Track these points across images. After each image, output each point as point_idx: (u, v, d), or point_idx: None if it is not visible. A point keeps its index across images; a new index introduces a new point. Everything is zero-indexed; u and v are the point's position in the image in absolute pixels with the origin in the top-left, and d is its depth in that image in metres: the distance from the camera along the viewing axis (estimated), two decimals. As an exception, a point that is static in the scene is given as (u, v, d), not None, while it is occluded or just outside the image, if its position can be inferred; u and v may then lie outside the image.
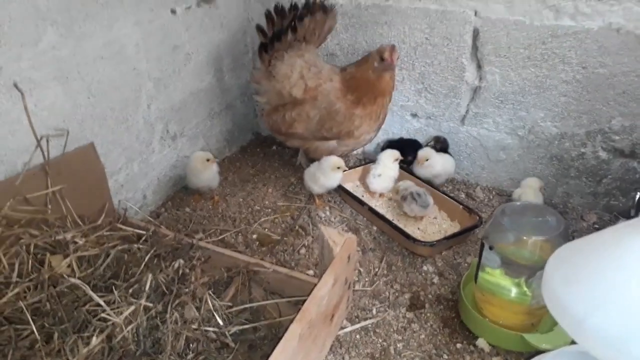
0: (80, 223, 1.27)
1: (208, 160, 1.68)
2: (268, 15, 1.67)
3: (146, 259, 1.11)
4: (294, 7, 1.66)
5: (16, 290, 1.06)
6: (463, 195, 1.84)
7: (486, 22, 1.61)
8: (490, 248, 1.19)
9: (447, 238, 1.49)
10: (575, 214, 1.74)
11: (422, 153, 1.76)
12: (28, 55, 1.18)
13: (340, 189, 1.73)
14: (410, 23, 1.72)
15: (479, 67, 1.69)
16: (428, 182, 1.75)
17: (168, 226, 1.57)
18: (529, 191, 1.64)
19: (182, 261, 1.09)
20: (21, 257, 1.10)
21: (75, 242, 1.19)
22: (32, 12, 1.17)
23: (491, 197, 1.84)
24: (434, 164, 1.75)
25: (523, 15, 1.55)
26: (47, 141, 1.21)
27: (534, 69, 1.61)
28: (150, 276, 1.02)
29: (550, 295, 0.67)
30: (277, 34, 1.64)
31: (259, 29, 1.68)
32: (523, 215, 1.19)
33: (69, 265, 1.14)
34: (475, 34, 1.65)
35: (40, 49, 1.20)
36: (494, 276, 1.22)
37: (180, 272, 1.08)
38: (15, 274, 1.09)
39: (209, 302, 1.06)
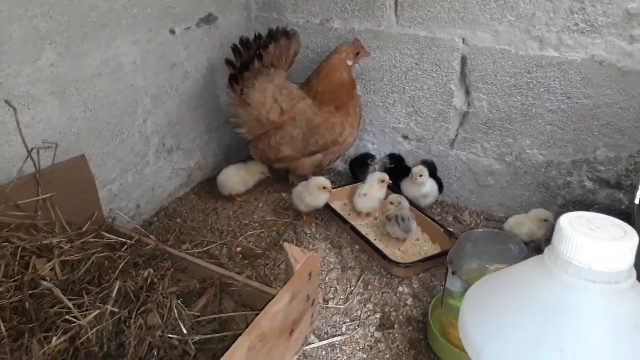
0: (68, 229, 1.36)
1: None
2: (235, 48, 1.76)
3: (120, 266, 1.18)
4: (258, 37, 1.76)
5: (-1, 290, 1.14)
6: (451, 219, 1.87)
7: (474, 50, 1.65)
8: (453, 273, 1.22)
9: (422, 261, 1.53)
10: (562, 242, 1.75)
11: (416, 170, 1.79)
12: (27, 72, 1.28)
13: (326, 207, 1.79)
14: (401, 49, 1.78)
15: (468, 93, 1.73)
16: (413, 203, 1.78)
17: (158, 236, 1.65)
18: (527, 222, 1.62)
19: (152, 270, 1.16)
20: (7, 259, 1.19)
21: (61, 247, 1.28)
22: (32, 33, 1.27)
23: (479, 221, 1.86)
24: (425, 182, 1.78)
25: (509, 45, 1.59)
26: (38, 152, 1.31)
27: (520, 97, 1.64)
28: (118, 283, 1.09)
29: (461, 322, 0.71)
30: (245, 64, 1.72)
31: (228, 62, 1.76)
32: (487, 243, 1.23)
33: (52, 269, 1.23)
34: (464, 61, 1.69)
35: (38, 66, 1.31)
36: (458, 301, 1.25)
37: (149, 280, 1.15)
38: (0, 275, 1.18)
39: (175, 311, 1.12)
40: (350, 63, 1.75)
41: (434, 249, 1.66)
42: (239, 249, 1.66)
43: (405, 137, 1.94)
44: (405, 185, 1.82)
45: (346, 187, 1.93)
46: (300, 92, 1.80)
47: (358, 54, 1.75)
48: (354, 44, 1.76)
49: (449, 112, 1.79)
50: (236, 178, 1.87)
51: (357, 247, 1.68)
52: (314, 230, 1.77)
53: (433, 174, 1.87)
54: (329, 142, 1.79)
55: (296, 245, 1.66)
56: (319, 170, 1.94)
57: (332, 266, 1.60)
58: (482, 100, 1.71)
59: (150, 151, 1.75)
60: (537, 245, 1.64)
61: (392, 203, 1.71)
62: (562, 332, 0.60)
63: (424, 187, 1.78)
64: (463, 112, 1.77)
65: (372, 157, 1.96)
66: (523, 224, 1.63)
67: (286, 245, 1.18)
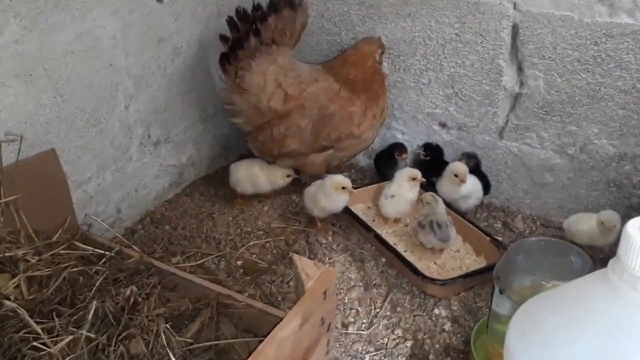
0: (36, 239, 1.39)
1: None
2: (230, 21, 1.76)
3: (97, 283, 1.22)
4: (257, 7, 1.76)
5: (-46, 311, 1.18)
6: (499, 225, 1.87)
7: (527, 17, 1.65)
8: (501, 292, 1.22)
9: (463, 276, 1.54)
10: (638, 254, 1.74)
11: (453, 166, 1.80)
12: (-14, 50, 1.33)
13: (346, 211, 1.80)
14: (438, 16, 1.79)
15: (520, 70, 1.73)
16: (452, 206, 1.79)
17: (142, 246, 1.68)
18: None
19: (134, 288, 1.19)
20: (-38, 274, 1.23)
21: (27, 260, 1.32)
22: (-8, 3, 1.31)
23: (534, 228, 1.86)
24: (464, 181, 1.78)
25: (571, 10, 1.59)
26: (0, 146, 1.35)
27: (585, 75, 1.64)
28: (94, 303, 1.12)
29: (506, 350, 0.72)
30: (238, 40, 1.73)
31: (222, 38, 1.77)
32: (543, 254, 1.23)
33: (17, 286, 1.26)
34: (515, 30, 1.69)
35: (0, 43, 1.34)
36: (506, 325, 1.25)
37: (132, 300, 1.17)
38: (-45, 293, 1.22)
39: (162, 337, 1.15)
40: (377, 57, 1.83)
41: (477, 262, 1.67)
42: (239, 262, 1.69)
43: (443, 125, 1.95)
44: (442, 184, 1.82)
45: (370, 186, 1.95)
46: (314, 73, 1.82)
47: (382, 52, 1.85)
48: (378, 43, 1.85)
49: (497, 93, 1.79)
50: (244, 173, 1.89)
51: (383, 259, 1.69)
52: (330, 239, 1.79)
53: (476, 169, 1.87)
54: (344, 135, 1.82)
55: (308, 257, 1.68)
56: (333, 168, 1.97)
57: (352, 283, 1.61)
58: (538, 79, 1.70)
59: (132, 144, 1.79)
60: (605, 257, 1.64)
61: (424, 202, 1.72)
62: (628, 361, 0.61)
63: (464, 187, 1.79)
64: (514, 93, 1.77)
65: (402, 148, 1.97)
66: (584, 222, 1.63)
67: (296, 257, 1.19)
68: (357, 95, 1.81)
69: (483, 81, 1.81)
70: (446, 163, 1.86)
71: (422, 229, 1.67)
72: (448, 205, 1.76)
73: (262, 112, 1.82)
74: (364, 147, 1.92)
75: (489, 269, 1.55)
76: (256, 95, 1.79)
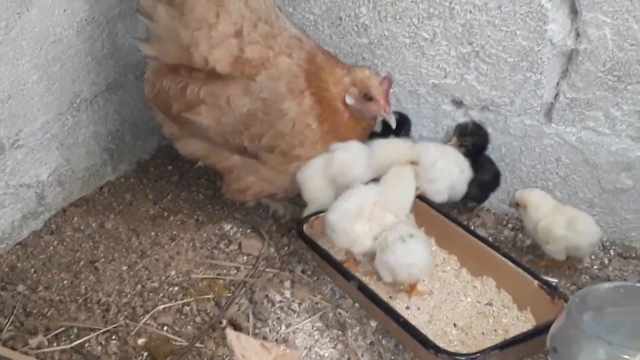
0: None
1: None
2: None
3: None
4: None
5: None
6: (552, 258, 1.88)
7: None
8: (559, 371, 1.23)
9: (499, 347, 1.52)
10: None
11: None
12: None
13: (312, 247, 1.80)
14: None
15: (574, 13, 1.74)
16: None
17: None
18: None
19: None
20: None
21: None
22: None
23: (607, 261, 1.88)
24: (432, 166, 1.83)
25: None
26: None
27: (677, 17, 1.66)
28: None
29: None
30: None
31: None
32: (622, 308, 1.24)
33: None
34: (564, -51, 1.71)
35: None
36: None
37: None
38: None
39: None
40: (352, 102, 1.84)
41: (520, 321, 1.67)
42: (141, 341, 1.66)
43: (458, 103, 1.96)
44: None
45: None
46: (293, 43, 1.85)
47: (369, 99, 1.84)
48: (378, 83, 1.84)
49: (540, 50, 1.80)
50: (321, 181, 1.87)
51: (373, 324, 1.68)
52: (287, 294, 1.77)
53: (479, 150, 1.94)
54: (282, 147, 1.84)
55: (254, 327, 1.66)
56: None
57: (326, 365, 1.61)
58: (604, 27, 1.71)
59: (-42, 154, 1.76)
60: None
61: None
62: None
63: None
64: (567, 50, 1.78)
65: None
66: None
67: (231, 334, 1.17)
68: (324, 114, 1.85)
69: (517, 32, 1.80)
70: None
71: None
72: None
73: (191, 58, 1.82)
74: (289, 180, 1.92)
75: (539, 332, 1.55)
76: (193, 29, 1.79)
